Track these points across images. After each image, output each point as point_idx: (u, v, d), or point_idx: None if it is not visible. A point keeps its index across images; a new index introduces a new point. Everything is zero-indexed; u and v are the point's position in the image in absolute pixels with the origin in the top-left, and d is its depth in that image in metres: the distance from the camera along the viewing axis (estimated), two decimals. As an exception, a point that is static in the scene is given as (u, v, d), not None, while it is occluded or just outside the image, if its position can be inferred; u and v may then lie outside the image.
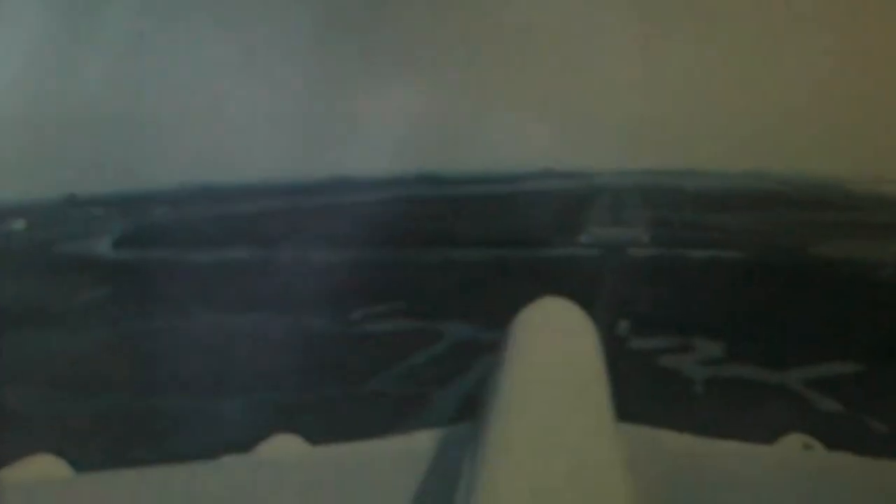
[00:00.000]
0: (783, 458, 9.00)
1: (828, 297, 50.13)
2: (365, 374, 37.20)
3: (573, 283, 45.41)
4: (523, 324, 9.64)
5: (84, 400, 33.40)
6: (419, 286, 56.60)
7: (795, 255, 67.08)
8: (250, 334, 43.20)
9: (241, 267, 67.16)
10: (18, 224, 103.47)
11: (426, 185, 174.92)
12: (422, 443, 8.44)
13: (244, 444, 9.45)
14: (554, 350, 9.09)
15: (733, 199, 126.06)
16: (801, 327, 43.34)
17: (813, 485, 7.54)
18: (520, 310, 9.76)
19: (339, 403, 31.37)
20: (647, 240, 74.73)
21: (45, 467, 8.78)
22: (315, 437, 9.91)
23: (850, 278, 57.60)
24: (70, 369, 37.59)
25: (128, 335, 44.89)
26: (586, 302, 10.73)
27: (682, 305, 47.56)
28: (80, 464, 9.05)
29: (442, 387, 35.14)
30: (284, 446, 9.96)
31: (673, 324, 44.51)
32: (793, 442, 9.82)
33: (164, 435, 28.52)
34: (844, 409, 32.84)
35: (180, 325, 45.68)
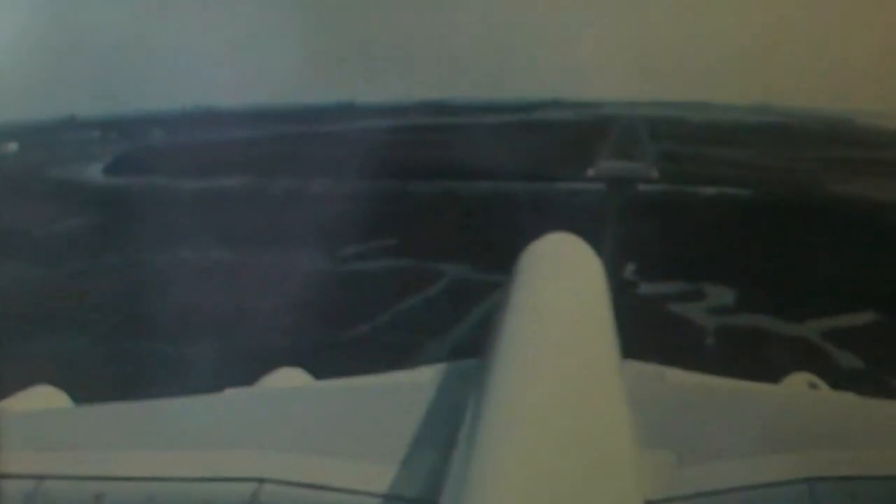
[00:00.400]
0: (788, 396, 9.06)
1: (845, 240, 46.83)
2: (352, 318, 34.09)
3: (579, 219, 42.12)
4: (530, 258, 9.80)
5: (50, 338, 30.52)
6: (418, 221, 53.42)
7: (811, 195, 63.56)
8: (233, 271, 40.31)
9: (232, 196, 63.95)
10: (12, 146, 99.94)
11: (432, 113, 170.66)
12: (426, 377, 8.53)
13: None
14: (560, 284, 9.28)
15: (741, 132, 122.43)
16: (818, 273, 40.03)
17: (816, 422, 7.52)
18: (522, 250, 9.86)
19: (321, 352, 28.01)
20: (655, 174, 71.01)
21: (44, 398, 8.83)
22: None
23: (867, 220, 54.19)
24: (39, 303, 34.88)
25: (107, 268, 42.13)
26: (592, 240, 10.64)
27: (693, 247, 44.32)
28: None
29: (436, 336, 32.16)
30: (288, 379, 9.99)
31: (683, 267, 41.55)
32: (798, 381, 9.83)
33: (135, 380, 25.77)
34: (864, 365, 30.43)
35: (162, 259, 42.66)
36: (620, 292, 28.05)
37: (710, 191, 64.20)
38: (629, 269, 41.47)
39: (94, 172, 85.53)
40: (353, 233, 47.05)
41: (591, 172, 69.74)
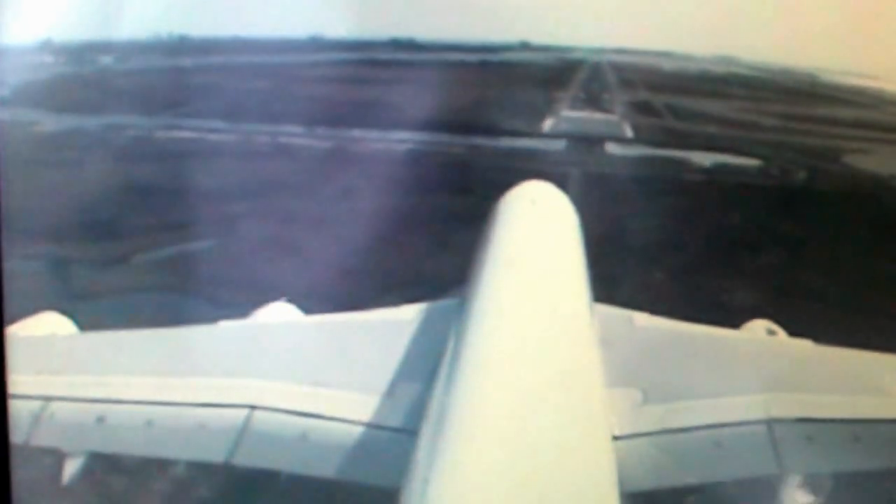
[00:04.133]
0: (748, 342, 9.32)
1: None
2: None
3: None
4: (507, 203, 10.13)
5: None
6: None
7: (835, 173, 43.66)
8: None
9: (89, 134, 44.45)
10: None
11: (395, 49, 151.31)
12: (410, 314, 8.59)
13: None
14: (535, 230, 9.60)
15: (715, 83, 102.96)
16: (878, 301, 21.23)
17: (775, 367, 7.73)
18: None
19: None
20: (628, 132, 51.09)
21: (51, 324, 8.83)
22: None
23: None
24: None
25: None
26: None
27: (685, 248, 25.56)
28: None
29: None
30: (279, 313, 9.81)
31: (675, 284, 22.75)
32: (757, 327, 9.96)
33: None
34: None
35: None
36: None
37: (704, 159, 43.21)
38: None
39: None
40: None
41: (548, 126, 49.93)
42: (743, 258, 25.06)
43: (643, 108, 64.93)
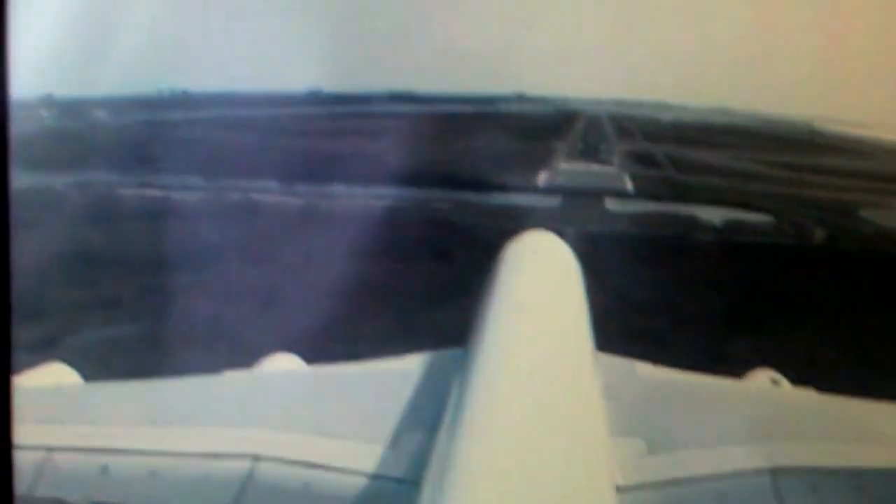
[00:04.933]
0: (751, 391, 8.91)
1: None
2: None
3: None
4: (511, 253, 9.77)
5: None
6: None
7: (853, 229, 39.36)
8: None
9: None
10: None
11: (393, 102, 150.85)
12: (413, 364, 8.25)
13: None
14: (538, 279, 9.23)
15: (714, 133, 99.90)
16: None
17: (778, 416, 7.28)
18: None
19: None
20: (628, 186, 46.89)
21: (56, 375, 8.67)
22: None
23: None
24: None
25: None
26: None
27: (698, 328, 21.14)
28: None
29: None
30: (283, 364, 9.59)
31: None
32: (760, 376, 9.56)
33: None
34: None
35: None
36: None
37: (713, 216, 38.94)
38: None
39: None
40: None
41: (543, 180, 45.92)
42: (767, 340, 20.57)
43: (643, 159, 61.31)
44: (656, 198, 42.82)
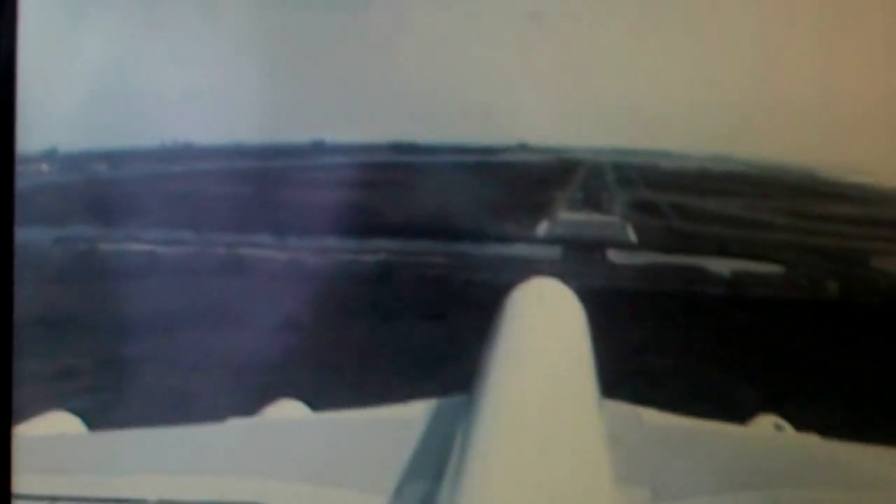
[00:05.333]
0: (755, 438, 8.79)
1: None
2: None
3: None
4: (515, 301, 9.64)
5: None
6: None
7: (863, 274, 37.34)
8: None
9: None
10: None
11: (395, 153, 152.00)
12: (418, 412, 8.21)
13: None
14: (543, 327, 9.12)
15: (716, 181, 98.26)
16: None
17: (782, 462, 7.12)
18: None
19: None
20: (631, 236, 44.89)
21: (59, 424, 8.54)
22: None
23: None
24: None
25: None
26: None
27: (711, 398, 18.88)
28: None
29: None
30: (288, 411, 9.48)
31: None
32: (764, 422, 9.41)
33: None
34: None
35: None
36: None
37: (721, 267, 36.83)
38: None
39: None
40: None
41: (542, 230, 43.94)
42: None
43: (645, 208, 59.54)
44: (661, 248, 40.81)
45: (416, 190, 59.32)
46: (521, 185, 71.68)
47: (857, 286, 34.82)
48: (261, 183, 73.67)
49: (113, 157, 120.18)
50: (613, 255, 39.69)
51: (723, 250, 40.08)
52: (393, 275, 32.35)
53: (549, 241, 42.21)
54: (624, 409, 8.31)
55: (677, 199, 67.27)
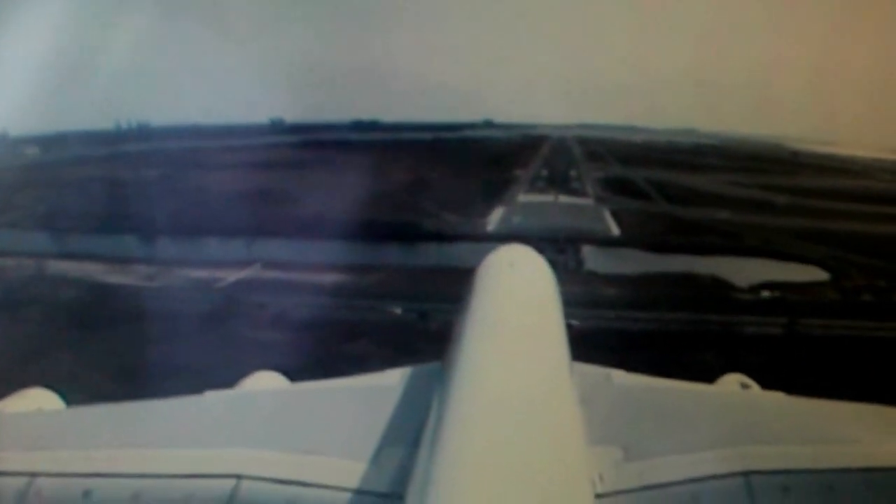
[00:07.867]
0: (722, 396, 8.14)
1: None
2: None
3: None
4: (487, 267, 8.96)
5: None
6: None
7: None
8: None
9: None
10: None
11: (362, 131, 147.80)
12: (393, 379, 7.63)
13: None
14: (514, 292, 8.44)
15: (688, 155, 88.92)
16: None
17: (749, 419, 6.70)
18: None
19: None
20: (612, 227, 33.29)
21: (38, 400, 7.94)
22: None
23: None
24: None
25: None
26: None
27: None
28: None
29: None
30: (265, 382, 8.83)
31: None
32: (731, 381, 8.68)
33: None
34: None
35: None
36: None
37: (741, 273, 24.43)
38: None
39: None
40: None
41: (495, 220, 32.39)
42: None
43: (622, 187, 48.28)
44: (653, 245, 29.13)
45: (369, 170, 47.50)
46: (481, 163, 60.79)
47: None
48: (177, 164, 63.92)
49: (43, 141, 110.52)
50: (592, 257, 27.91)
51: (735, 247, 28.71)
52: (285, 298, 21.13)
53: (504, 236, 29.75)
54: (594, 371, 7.12)
55: (656, 175, 56.05)
